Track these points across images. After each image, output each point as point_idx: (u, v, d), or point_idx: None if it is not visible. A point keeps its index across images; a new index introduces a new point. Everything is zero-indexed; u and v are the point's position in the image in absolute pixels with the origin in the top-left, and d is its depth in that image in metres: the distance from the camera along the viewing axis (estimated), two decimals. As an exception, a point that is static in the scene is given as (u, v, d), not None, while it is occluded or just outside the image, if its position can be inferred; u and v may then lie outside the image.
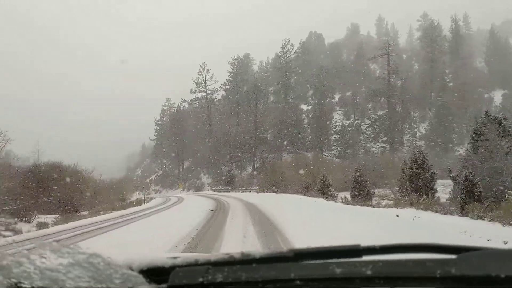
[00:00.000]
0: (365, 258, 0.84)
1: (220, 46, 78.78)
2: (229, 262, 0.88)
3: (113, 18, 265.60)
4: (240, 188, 44.75)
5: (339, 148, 63.98)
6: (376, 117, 70.90)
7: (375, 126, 69.85)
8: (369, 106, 73.35)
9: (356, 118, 71.56)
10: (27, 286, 0.76)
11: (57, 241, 0.92)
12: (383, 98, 67.39)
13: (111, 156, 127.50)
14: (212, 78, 73.49)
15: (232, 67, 74.27)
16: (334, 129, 69.03)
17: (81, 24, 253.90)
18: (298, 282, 0.76)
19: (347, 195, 26.76)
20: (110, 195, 36.71)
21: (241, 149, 63.23)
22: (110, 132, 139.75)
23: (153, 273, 0.90)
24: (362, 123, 70.65)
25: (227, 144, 63.27)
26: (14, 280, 0.76)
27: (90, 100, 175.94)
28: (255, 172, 58.40)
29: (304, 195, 27.50)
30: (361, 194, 20.41)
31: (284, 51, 72.95)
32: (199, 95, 74.69)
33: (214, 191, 50.87)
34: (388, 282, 0.74)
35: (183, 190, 65.50)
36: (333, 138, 66.80)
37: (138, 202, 34.20)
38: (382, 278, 0.74)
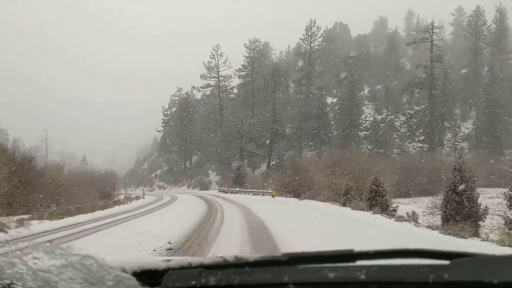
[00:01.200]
0: (359, 263, 0.84)
1: (237, 46, 68.33)
2: (223, 266, 0.88)
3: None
4: (251, 190, 35.89)
5: (369, 146, 54.62)
6: (412, 112, 61.55)
7: (411, 123, 60.48)
8: (404, 100, 64.25)
9: (389, 113, 62.18)
10: (19, 287, 0.76)
11: (50, 241, 0.88)
12: (420, 91, 57.78)
13: (128, 146, 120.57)
14: (225, 63, 64.86)
15: (248, 51, 65.44)
16: (364, 125, 59.88)
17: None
18: (291, 286, 0.76)
19: (405, 206, 18.24)
20: (86, 192, 28.36)
21: (255, 144, 54.35)
22: (132, 119, 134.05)
23: (146, 275, 0.90)
24: (396, 119, 61.33)
25: (239, 137, 54.54)
26: (6, 281, 0.76)
27: (111, 83, 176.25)
28: (270, 171, 49.56)
29: (344, 205, 18.52)
30: (461, 213, 11.38)
31: (309, 34, 63.74)
32: (211, 82, 66.04)
33: (220, 191, 42.28)
34: (382, 287, 0.74)
35: (188, 187, 57.34)
36: (363, 134, 57.56)
37: (114, 203, 25.75)
38: (376, 282, 0.74)
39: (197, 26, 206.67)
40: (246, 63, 65.36)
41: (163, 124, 76.30)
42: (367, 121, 61.00)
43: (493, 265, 0.73)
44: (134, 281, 0.83)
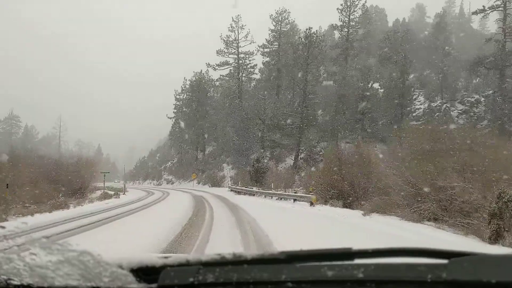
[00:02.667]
0: (358, 261, 0.83)
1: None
2: (221, 263, 0.87)
3: None
4: (274, 192, 24.29)
5: (423, 140, 43.89)
6: (472, 100, 50.28)
7: (471, 114, 49.18)
8: (459, 84, 53.27)
9: (443, 100, 51.02)
10: (16, 283, 0.76)
11: (47, 237, 0.89)
12: (488, 71, 46.30)
13: (150, 136, 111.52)
14: (247, 37, 54.45)
15: (274, 23, 54.99)
16: (414, 114, 49.00)
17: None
18: (289, 284, 0.76)
19: None
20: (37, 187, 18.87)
21: (279, 132, 43.86)
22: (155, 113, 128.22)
23: (143, 272, 0.88)
24: (453, 108, 50.16)
25: (260, 123, 44.27)
26: (4, 277, 0.77)
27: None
28: (298, 165, 39.12)
29: (495, 239, 7.94)
30: None
31: (348, 4, 52.78)
32: (230, 59, 55.53)
33: (232, 190, 32.13)
34: (379, 285, 0.73)
35: (198, 183, 47.65)
36: (413, 124, 46.49)
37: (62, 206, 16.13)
38: (374, 281, 0.74)
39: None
40: (271, 38, 54.93)
41: (175, 110, 66.44)
42: (417, 109, 50.25)
43: (491, 264, 0.73)
44: (131, 277, 0.83)
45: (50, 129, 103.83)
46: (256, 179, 32.34)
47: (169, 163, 70.45)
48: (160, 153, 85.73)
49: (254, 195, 25.99)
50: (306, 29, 45.75)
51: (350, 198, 16.77)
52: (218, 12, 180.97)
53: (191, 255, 0.92)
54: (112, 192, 26.50)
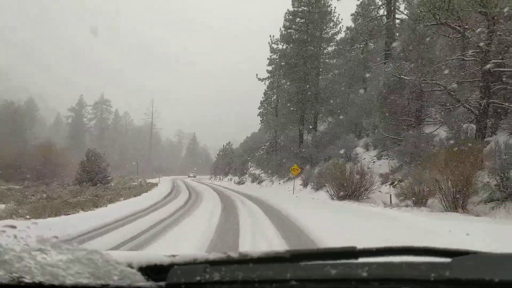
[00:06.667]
0: (361, 260, 0.84)
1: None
2: (227, 262, 0.89)
3: None
4: None
5: None
6: None
7: None
8: None
9: None
10: (28, 281, 0.78)
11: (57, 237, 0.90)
12: None
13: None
14: None
15: None
16: None
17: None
18: (294, 283, 0.77)
19: None
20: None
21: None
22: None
23: (152, 270, 0.90)
24: None
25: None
26: (15, 275, 0.79)
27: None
28: None
29: None
30: None
31: None
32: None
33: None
34: (383, 283, 0.74)
35: (305, 184, 24.80)
36: None
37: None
38: (377, 280, 0.74)
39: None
40: None
41: (271, 67, 40.74)
42: None
43: (494, 263, 0.74)
44: (139, 276, 0.84)
45: (142, 115, 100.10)
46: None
47: (260, 150, 47.41)
48: (250, 141, 61.67)
49: None
50: None
51: None
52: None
53: (199, 254, 0.92)
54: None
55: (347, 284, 0.75)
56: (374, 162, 22.21)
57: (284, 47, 35.85)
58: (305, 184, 24.87)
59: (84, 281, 0.78)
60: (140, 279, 0.84)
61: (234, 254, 0.89)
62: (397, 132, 19.64)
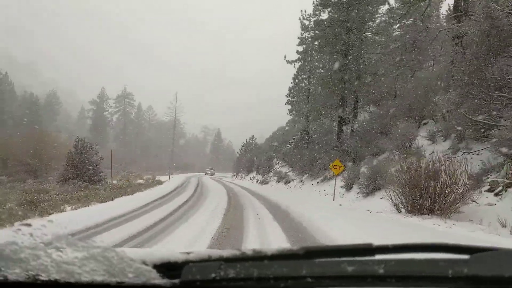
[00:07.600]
0: (378, 257, 0.82)
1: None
2: (241, 259, 0.88)
3: None
4: None
5: None
6: None
7: None
8: None
9: None
10: (44, 278, 0.79)
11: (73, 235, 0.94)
12: None
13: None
14: None
15: None
16: None
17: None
18: (309, 280, 0.76)
19: None
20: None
21: None
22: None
23: (166, 268, 0.89)
24: None
25: None
26: (32, 273, 0.80)
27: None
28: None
29: None
30: None
31: None
32: None
33: None
34: (400, 281, 0.73)
35: (348, 187, 18.93)
36: None
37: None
38: (394, 277, 0.73)
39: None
40: None
41: (302, 48, 35.33)
42: None
43: None
44: (154, 273, 0.84)
45: (165, 109, 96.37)
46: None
47: (287, 145, 41.21)
48: (278, 132, 56.93)
49: None
50: None
51: None
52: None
53: (213, 251, 0.92)
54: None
55: (363, 281, 0.74)
56: (448, 158, 15.74)
57: (319, 18, 29.20)
58: (348, 187, 18.86)
59: (99, 278, 0.78)
60: (155, 276, 0.83)
61: (248, 251, 0.88)
62: (488, 114, 13.31)
